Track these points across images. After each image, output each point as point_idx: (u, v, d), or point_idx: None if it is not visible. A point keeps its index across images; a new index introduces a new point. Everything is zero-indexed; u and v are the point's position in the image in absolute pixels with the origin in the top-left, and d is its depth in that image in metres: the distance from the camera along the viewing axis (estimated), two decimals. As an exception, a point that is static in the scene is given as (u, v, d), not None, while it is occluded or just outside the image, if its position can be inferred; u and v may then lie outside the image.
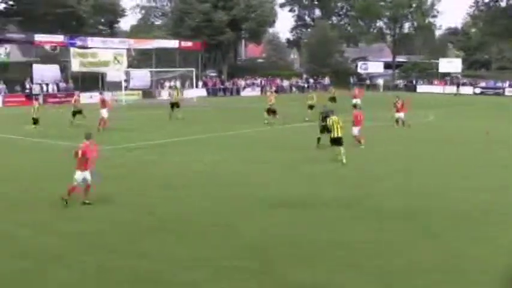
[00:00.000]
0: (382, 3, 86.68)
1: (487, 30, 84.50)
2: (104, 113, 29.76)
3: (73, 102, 32.85)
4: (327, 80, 77.80)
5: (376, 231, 12.28)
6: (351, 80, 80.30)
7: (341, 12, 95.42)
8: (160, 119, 35.16)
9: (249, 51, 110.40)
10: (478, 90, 72.91)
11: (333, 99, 39.72)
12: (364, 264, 10.33)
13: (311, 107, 34.07)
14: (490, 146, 25.41)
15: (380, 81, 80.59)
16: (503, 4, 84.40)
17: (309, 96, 36.30)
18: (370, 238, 11.81)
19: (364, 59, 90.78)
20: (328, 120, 21.67)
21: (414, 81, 79.90)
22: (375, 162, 21.13)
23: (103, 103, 30.32)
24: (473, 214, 13.77)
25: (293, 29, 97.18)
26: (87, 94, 51.49)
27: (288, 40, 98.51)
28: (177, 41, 63.24)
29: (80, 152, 14.00)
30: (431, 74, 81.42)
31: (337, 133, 20.77)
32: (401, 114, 31.47)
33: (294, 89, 73.47)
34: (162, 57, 64.94)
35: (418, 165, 20.47)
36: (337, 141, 20.80)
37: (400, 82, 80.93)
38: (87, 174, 14.09)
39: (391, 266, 10.27)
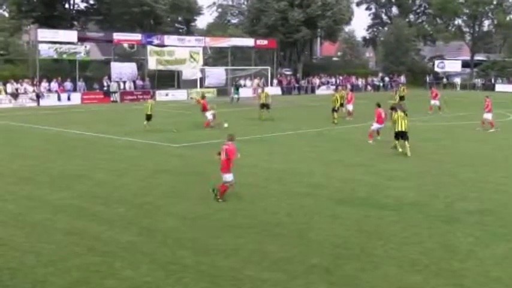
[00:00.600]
0: (461, 0, 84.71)
1: None
2: (208, 115, 31.09)
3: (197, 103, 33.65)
4: (402, 79, 76.89)
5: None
6: (427, 78, 79.04)
7: (418, 10, 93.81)
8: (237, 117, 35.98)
9: (324, 49, 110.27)
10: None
11: (402, 97, 39.77)
12: (432, 266, 10.72)
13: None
14: None
15: (457, 80, 78.92)
16: None
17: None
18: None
19: (441, 57, 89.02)
20: (393, 114, 22.14)
21: (493, 80, 77.73)
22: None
23: (204, 106, 31.61)
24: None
25: (369, 27, 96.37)
26: (163, 92, 53.34)
27: (364, 38, 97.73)
28: (252, 39, 64.11)
29: (223, 153, 14.84)
30: (511, 73, 78.91)
31: (401, 127, 21.54)
32: (488, 115, 30.71)
33: (369, 87, 73.04)
34: (237, 55, 66.08)
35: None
36: (401, 135, 22.00)
37: (478, 81, 78.93)
38: (225, 175, 14.95)
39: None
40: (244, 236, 12.16)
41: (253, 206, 14.66)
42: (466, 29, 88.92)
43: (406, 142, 22.03)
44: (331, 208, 14.42)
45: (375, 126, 25.57)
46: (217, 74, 59.48)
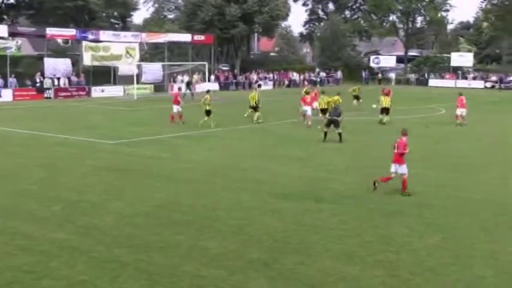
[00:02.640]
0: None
1: (498, 25, 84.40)
2: (177, 108, 30.91)
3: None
4: (339, 74, 78.15)
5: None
6: (363, 74, 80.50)
7: (354, 6, 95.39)
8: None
9: (261, 45, 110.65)
10: (488, 84, 72.87)
11: (356, 97, 39.45)
12: (367, 258, 10.88)
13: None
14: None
15: (392, 75, 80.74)
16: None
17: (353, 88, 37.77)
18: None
19: (377, 53, 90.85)
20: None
21: (426, 75, 79.90)
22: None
23: (176, 99, 31.28)
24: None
25: (306, 22, 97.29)
26: (99, 88, 52.32)
27: (301, 34, 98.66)
28: (189, 35, 63.66)
29: (396, 146, 15.53)
30: (442, 68, 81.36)
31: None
32: (460, 111, 31.69)
33: (306, 82, 73.75)
34: (174, 51, 65.51)
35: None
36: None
37: (412, 76, 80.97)
38: (398, 168, 15.48)
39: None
40: (183, 232, 12.04)
41: (192, 201, 14.55)
42: (400, 25, 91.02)
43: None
44: (271, 203, 14.46)
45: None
46: (154, 70, 58.83)
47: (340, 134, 24.54)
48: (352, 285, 9.48)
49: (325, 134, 24.82)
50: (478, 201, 14.93)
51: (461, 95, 32.54)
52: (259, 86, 52.16)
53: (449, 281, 9.60)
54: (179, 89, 36.88)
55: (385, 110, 31.45)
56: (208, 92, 31.50)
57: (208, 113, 29.37)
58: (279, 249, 11.03)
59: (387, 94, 33.14)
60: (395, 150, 15.58)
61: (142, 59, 59.04)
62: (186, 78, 55.92)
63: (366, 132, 28.28)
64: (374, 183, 15.70)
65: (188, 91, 50.19)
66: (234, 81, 66.80)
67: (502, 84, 71.32)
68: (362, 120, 32.67)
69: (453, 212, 13.78)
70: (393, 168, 15.59)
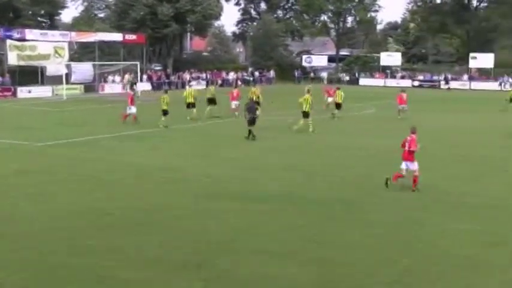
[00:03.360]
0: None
1: (424, 25, 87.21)
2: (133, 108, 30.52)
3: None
4: (272, 73, 78.63)
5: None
6: (296, 73, 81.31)
7: (286, 6, 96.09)
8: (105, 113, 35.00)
9: (194, 44, 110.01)
10: (416, 83, 74.99)
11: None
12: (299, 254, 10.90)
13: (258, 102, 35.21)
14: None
15: (324, 75, 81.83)
16: (438, 1, 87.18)
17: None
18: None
19: (309, 52, 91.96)
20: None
21: (357, 75, 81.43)
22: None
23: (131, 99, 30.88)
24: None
25: (239, 22, 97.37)
26: (26, 88, 50.71)
27: (234, 33, 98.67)
28: (120, 34, 62.61)
29: (407, 144, 15.77)
30: (372, 68, 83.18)
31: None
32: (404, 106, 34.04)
33: (239, 82, 73.79)
34: (105, 51, 64.23)
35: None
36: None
37: (344, 75, 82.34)
38: (410, 165, 15.73)
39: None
40: (115, 235, 11.78)
41: (124, 203, 14.26)
42: (331, 25, 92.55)
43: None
44: (205, 203, 14.35)
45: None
46: (84, 70, 57.48)
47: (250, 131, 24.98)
48: (287, 283, 9.51)
49: (250, 132, 24.97)
50: (397, 197, 15.26)
51: (403, 91, 34.81)
52: (190, 86, 52.09)
53: (377, 275, 9.74)
54: (132, 89, 36.26)
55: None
56: (166, 92, 31.38)
57: (165, 112, 29.19)
58: (212, 250, 10.94)
59: (331, 95, 34.43)
60: (406, 148, 15.87)
61: (72, 58, 57.61)
62: (127, 77, 55.03)
63: (304, 131, 28.46)
64: (386, 182, 15.90)
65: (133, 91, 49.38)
66: (167, 81, 66.14)
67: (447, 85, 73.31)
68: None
69: (374, 208, 14.03)
70: (404, 165, 15.87)
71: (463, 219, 13.13)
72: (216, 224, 12.65)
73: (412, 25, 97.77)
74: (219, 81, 70.96)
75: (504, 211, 13.92)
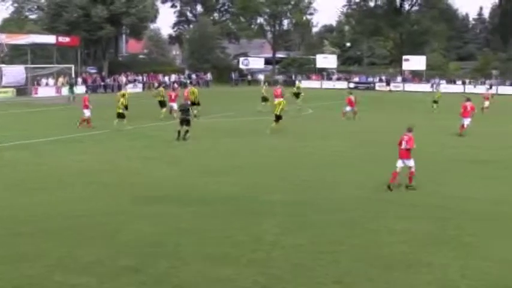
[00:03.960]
0: (262, 0, 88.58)
1: (358, 28, 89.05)
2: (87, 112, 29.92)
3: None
4: (209, 76, 78.49)
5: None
6: (233, 75, 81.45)
7: (222, 9, 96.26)
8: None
9: (130, 46, 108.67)
10: (352, 85, 76.34)
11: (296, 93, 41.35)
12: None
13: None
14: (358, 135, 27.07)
15: (261, 77, 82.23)
16: (372, 4, 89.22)
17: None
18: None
19: (246, 55, 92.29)
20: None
21: (293, 77, 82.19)
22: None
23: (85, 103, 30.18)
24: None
25: (175, 24, 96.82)
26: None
27: (170, 36, 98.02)
28: (53, 36, 61.20)
29: (403, 143, 16.24)
30: (309, 70, 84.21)
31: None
32: (348, 108, 35.07)
33: (176, 85, 73.20)
34: (37, 53, 62.66)
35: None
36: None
37: (280, 77, 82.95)
38: (406, 162, 16.28)
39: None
40: (48, 240, 11.48)
41: (55, 209, 13.92)
42: (267, 28, 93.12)
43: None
44: (144, 207, 14.17)
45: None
46: (15, 73, 55.84)
47: (187, 132, 25.28)
48: (226, 286, 9.49)
49: (179, 132, 25.03)
50: (341, 197, 15.51)
51: (350, 94, 35.96)
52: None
53: (318, 276, 9.85)
54: (86, 92, 35.52)
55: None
56: (123, 95, 30.96)
57: (120, 115, 28.85)
58: (150, 254, 10.81)
59: (278, 96, 35.09)
60: (403, 146, 16.31)
61: (3, 61, 55.98)
62: (61, 80, 53.84)
63: (247, 133, 28.52)
64: (389, 187, 16.16)
65: (71, 94, 48.32)
66: (102, 83, 65.06)
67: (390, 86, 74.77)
68: (248, 121, 33.03)
69: (320, 209, 14.21)
70: (400, 163, 16.34)
71: (399, 218, 13.41)
72: (154, 227, 12.50)
73: (347, 28, 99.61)
74: (156, 84, 70.29)
75: (441, 209, 14.29)
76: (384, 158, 21.72)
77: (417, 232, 12.29)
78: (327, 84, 76.26)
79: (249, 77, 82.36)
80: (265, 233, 12.19)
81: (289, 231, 12.35)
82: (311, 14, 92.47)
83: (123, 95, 31.12)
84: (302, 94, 41.51)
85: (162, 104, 34.13)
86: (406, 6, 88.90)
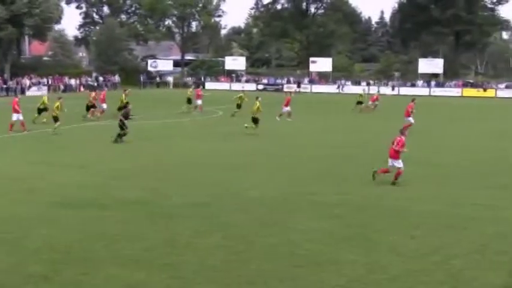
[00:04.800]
0: (170, 1, 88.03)
1: (266, 30, 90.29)
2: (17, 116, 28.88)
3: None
4: (116, 78, 77.14)
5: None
6: (141, 77, 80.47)
7: (130, 10, 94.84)
8: None
9: (33, 48, 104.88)
10: (260, 87, 77.27)
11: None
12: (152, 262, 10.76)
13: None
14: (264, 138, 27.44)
15: (170, 79, 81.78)
16: (279, 7, 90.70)
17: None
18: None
19: (154, 57, 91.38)
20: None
21: (202, 78, 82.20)
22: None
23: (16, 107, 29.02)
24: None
25: (81, 26, 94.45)
26: None
27: (76, 38, 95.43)
28: None
29: (395, 143, 16.91)
30: (218, 72, 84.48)
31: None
32: (286, 109, 35.77)
33: (82, 88, 71.47)
34: None
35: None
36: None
37: (189, 79, 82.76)
38: (394, 162, 16.95)
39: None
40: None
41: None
42: (176, 30, 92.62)
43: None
44: (49, 212, 13.75)
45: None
46: None
47: (119, 135, 25.25)
48: (139, 290, 9.41)
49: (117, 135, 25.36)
50: (253, 198, 15.67)
51: (288, 94, 37.47)
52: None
53: (230, 277, 9.93)
54: (16, 95, 33.82)
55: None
56: (60, 98, 30.09)
57: (55, 119, 28.15)
58: (60, 260, 10.53)
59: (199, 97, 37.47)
60: (393, 146, 16.93)
61: None
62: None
63: (164, 136, 28.22)
64: (373, 175, 17.16)
65: None
66: (4, 86, 62.48)
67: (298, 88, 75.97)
68: (159, 124, 32.63)
69: (231, 210, 14.31)
70: (390, 162, 17.05)
71: (312, 218, 13.69)
72: (63, 233, 12.17)
73: (255, 30, 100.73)
74: (62, 87, 68.34)
75: (350, 207, 14.71)
76: (299, 159, 22.13)
77: (327, 230, 12.58)
78: (236, 86, 76.69)
79: (158, 79, 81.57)
80: (177, 235, 12.14)
81: (202, 233, 12.34)
82: (219, 16, 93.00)
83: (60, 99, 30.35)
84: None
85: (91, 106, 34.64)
86: (312, 9, 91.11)
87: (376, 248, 11.40)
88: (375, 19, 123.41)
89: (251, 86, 76.60)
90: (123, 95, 35.59)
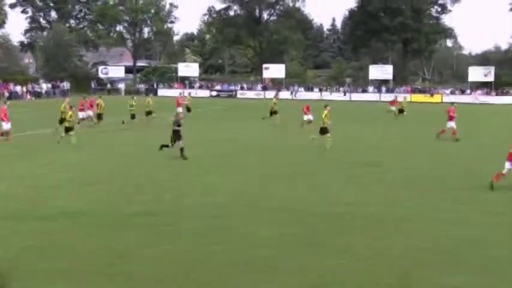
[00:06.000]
0: (121, 7, 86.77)
1: (219, 37, 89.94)
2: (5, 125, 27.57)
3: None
4: (66, 85, 75.34)
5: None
6: (92, 84, 78.95)
7: (79, 16, 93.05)
8: None
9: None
10: (214, 93, 76.72)
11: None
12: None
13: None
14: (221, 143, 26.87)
15: (121, 86, 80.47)
16: (232, 13, 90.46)
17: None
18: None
19: (105, 63, 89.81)
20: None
21: (155, 85, 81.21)
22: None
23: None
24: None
25: (27, 31, 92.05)
26: None
27: (22, 43, 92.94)
28: None
29: None
30: (171, 78, 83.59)
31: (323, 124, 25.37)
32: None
33: (29, 96, 69.47)
34: None
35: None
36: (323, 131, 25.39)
37: (142, 86, 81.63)
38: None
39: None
40: None
41: None
42: (127, 36, 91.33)
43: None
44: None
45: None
46: None
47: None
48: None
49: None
50: (213, 204, 15.08)
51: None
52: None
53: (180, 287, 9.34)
54: (5, 102, 32.05)
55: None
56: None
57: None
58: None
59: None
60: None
61: None
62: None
63: (101, 146, 27.28)
64: (491, 185, 16.53)
65: None
66: None
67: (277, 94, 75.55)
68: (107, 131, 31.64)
69: (184, 218, 13.67)
70: (508, 165, 16.64)
71: (268, 223, 13.21)
72: (4, 248, 11.28)
73: (208, 36, 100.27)
74: (6, 94, 66.27)
75: (307, 213, 14.27)
76: (247, 165, 21.67)
77: (286, 236, 12.12)
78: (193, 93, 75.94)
79: (109, 86, 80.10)
80: (124, 246, 11.41)
81: (150, 242, 11.66)
82: (172, 22, 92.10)
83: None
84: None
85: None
86: (265, 16, 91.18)
87: (326, 253, 10.99)
88: (326, 26, 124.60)
89: (204, 93, 75.99)
90: (99, 101, 34.28)
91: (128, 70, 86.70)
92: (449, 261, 10.59)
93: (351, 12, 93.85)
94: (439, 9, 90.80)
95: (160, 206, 14.69)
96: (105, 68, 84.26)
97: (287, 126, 34.60)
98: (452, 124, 28.91)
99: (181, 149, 21.80)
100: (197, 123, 35.50)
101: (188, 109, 40.89)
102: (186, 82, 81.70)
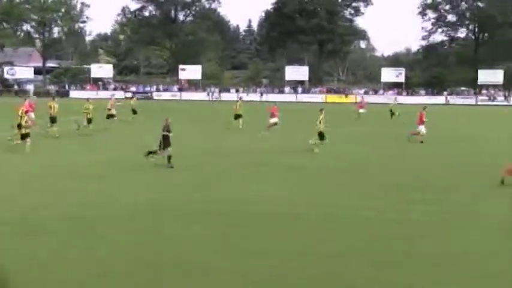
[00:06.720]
0: (28, 6, 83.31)
1: (134, 37, 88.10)
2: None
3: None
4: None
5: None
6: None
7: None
8: None
9: None
10: (129, 95, 74.83)
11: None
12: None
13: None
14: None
15: (30, 87, 77.15)
16: (147, 14, 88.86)
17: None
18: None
19: (11, 64, 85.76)
20: None
21: (67, 87, 78.41)
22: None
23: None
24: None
25: None
26: None
27: None
28: None
29: None
30: (83, 79, 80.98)
31: None
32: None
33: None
34: None
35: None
36: None
37: (52, 88, 78.59)
38: None
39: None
40: None
41: None
42: (36, 35, 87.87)
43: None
44: None
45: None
46: None
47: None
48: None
49: None
50: (130, 208, 14.19)
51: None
52: None
53: None
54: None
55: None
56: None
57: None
58: None
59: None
60: None
61: None
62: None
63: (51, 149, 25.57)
64: (502, 181, 16.38)
65: None
66: None
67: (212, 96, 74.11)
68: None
69: (104, 221, 12.74)
70: None
71: (193, 225, 12.50)
72: None
73: (122, 37, 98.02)
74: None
75: (229, 214, 13.67)
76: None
77: (197, 238, 11.46)
78: (103, 94, 73.70)
79: (16, 87, 76.57)
80: (37, 251, 10.40)
81: (66, 247, 10.70)
82: (84, 22, 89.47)
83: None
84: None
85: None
86: (181, 17, 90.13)
87: (246, 254, 10.44)
88: (243, 27, 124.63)
89: (119, 94, 73.94)
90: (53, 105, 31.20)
91: (38, 71, 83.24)
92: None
93: (267, 13, 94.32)
94: (353, 12, 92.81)
95: (77, 211, 13.68)
96: (11, 69, 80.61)
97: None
98: (422, 128, 29.14)
99: (169, 157, 20.03)
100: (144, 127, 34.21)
101: (134, 111, 39.42)
102: (100, 83, 79.35)
